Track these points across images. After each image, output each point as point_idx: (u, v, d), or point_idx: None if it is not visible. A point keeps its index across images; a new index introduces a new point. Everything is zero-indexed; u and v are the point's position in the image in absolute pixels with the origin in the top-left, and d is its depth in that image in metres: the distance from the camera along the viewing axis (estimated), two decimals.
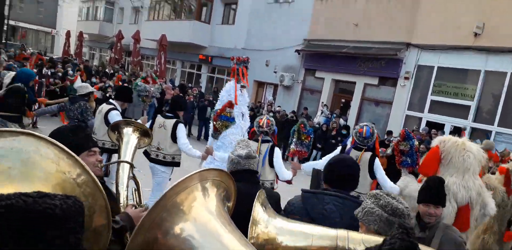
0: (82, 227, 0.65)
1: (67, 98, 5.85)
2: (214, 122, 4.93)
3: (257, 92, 17.67)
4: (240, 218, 1.58)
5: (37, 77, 12.88)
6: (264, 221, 1.67)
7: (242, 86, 6.94)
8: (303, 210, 2.19)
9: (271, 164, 4.38)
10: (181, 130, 4.86)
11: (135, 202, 2.27)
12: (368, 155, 4.27)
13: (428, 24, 11.53)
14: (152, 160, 4.93)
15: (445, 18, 11.09)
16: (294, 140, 4.66)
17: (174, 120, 4.88)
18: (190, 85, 17.79)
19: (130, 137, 2.71)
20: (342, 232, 1.67)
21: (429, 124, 11.40)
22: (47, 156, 0.97)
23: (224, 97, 6.81)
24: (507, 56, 10.15)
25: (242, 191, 1.84)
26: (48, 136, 1.87)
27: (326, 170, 2.37)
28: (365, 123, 4.50)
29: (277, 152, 4.41)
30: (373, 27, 12.86)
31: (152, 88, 5.75)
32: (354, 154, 4.22)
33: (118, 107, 5.04)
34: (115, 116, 4.76)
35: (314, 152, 11.66)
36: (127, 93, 5.26)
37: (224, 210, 1.42)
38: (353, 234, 1.66)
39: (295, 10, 15.66)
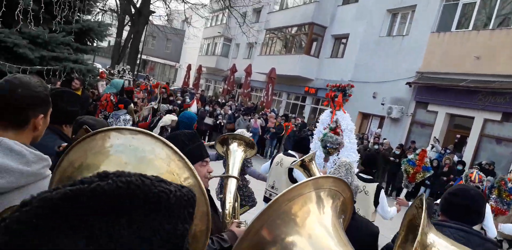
0: (191, 218, 0.62)
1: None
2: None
3: (361, 124, 17.24)
4: None
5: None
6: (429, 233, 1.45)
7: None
8: None
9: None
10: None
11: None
12: None
13: None
14: (265, 199, 4.73)
15: None
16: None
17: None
18: (293, 115, 18.11)
19: (236, 152, 2.71)
20: None
21: None
22: (160, 156, 0.99)
23: (321, 126, 6.86)
24: None
25: None
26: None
27: (446, 199, 2.13)
28: (476, 167, 4.31)
29: (382, 193, 4.13)
30: (497, 60, 11.85)
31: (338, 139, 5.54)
32: None
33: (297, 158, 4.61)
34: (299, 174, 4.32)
35: (422, 188, 10.82)
36: (306, 145, 4.92)
37: (340, 226, 1.28)
38: None
39: (408, 43, 15.26)
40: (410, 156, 5.13)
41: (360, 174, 4.15)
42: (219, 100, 19.98)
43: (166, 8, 24.22)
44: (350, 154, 6.57)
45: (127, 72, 12.62)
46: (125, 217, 0.54)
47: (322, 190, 1.24)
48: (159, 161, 0.99)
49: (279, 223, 1.11)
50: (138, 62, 26.16)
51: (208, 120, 14.26)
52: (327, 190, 1.25)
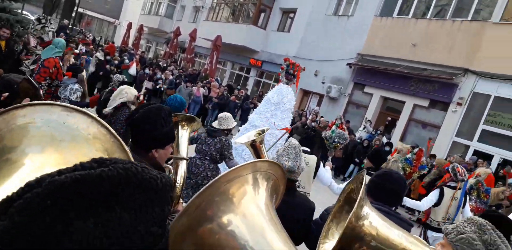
0: (172, 201, 0.68)
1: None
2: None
3: (301, 100, 17.68)
4: None
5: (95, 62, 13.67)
6: (367, 212, 1.54)
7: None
8: None
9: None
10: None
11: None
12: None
13: (491, 51, 11.13)
14: None
15: (509, 47, 10.68)
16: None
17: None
18: (238, 87, 18.06)
19: (180, 131, 2.66)
20: None
21: (477, 153, 10.96)
22: (95, 136, 0.98)
23: (273, 99, 6.94)
24: None
25: None
26: (141, 120, 1.84)
27: (372, 181, 2.30)
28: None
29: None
30: (432, 49, 12.59)
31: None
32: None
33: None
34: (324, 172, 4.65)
35: (352, 166, 11.51)
36: (314, 141, 4.97)
37: (272, 206, 1.37)
38: None
39: (352, 24, 15.61)
40: (408, 155, 5.59)
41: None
42: (160, 63, 19.28)
43: None
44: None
45: (49, 21, 11.22)
46: (123, 200, 0.60)
47: (259, 173, 1.33)
48: (95, 140, 0.99)
49: (218, 201, 1.18)
50: (73, 15, 24.18)
51: (148, 84, 13.71)
52: (263, 172, 1.34)
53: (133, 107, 4.84)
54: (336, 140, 5.83)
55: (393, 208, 2.31)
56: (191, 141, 4.65)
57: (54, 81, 6.21)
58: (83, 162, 0.63)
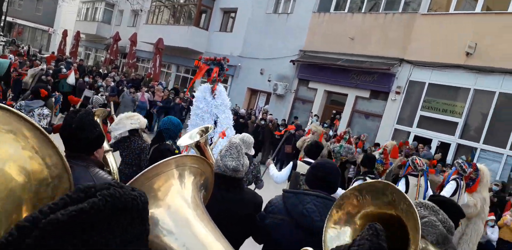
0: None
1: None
2: None
3: (250, 99, 17.75)
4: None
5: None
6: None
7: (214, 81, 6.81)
8: (283, 210, 2.23)
9: None
10: None
11: None
12: None
13: (422, 41, 11.76)
14: None
15: (439, 36, 11.33)
16: None
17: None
18: (185, 89, 17.78)
19: None
20: None
21: (417, 138, 11.54)
22: (19, 132, 0.93)
23: (200, 99, 6.75)
24: (496, 76, 10.38)
25: (217, 196, 1.92)
26: (80, 128, 1.90)
27: (308, 172, 2.44)
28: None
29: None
30: (368, 42, 13.09)
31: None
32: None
33: None
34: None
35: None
36: (318, 151, 5.12)
37: (200, 199, 1.38)
38: None
39: (292, 21, 15.89)
40: (377, 156, 6.04)
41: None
42: (101, 70, 18.56)
43: None
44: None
45: None
46: (114, 224, 0.64)
47: (183, 167, 1.33)
48: (18, 137, 0.93)
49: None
50: (1, 24, 22.72)
51: (88, 93, 13.13)
52: (187, 167, 1.35)
53: (144, 135, 4.58)
54: (343, 154, 6.20)
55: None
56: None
57: None
58: (69, 194, 0.66)
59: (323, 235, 1.57)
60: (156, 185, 1.22)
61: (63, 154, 1.01)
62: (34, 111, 4.81)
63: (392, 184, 1.53)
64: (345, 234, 1.59)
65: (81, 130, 1.91)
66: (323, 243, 1.54)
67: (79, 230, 0.61)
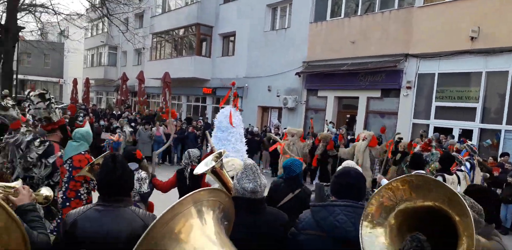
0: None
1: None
2: None
3: (262, 117, 17.80)
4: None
5: None
6: None
7: (240, 110, 7.29)
8: (314, 224, 2.18)
9: None
10: None
11: None
12: None
13: (424, 33, 11.71)
14: None
15: (440, 25, 11.27)
16: None
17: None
18: (200, 118, 17.95)
19: None
20: None
21: (437, 129, 11.30)
22: None
23: (224, 122, 7.04)
24: (505, 56, 10.19)
25: (240, 219, 1.91)
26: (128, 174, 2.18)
27: (332, 181, 2.38)
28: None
29: None
30: (370, 42, 13.10)
31: None
32: None
33: None
34: None
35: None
36: (423, 161, 5.13)
37: (224, 234, 1.36)
38: None
39: (291, 35, 16.09)
40: None
41: None
42: (114, 112, 18.95)
43: (37, 22, 22.13)
44: (240, 147, 7.09)
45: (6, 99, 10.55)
46: None
47: (201, 203, 1.31)
48: None
49: (166, 243, 1.15)
50: (14, 83, 23.58)
51: (106, 136, 13.36)
52: (205, 201, 1.33)
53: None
54: (434, 160, 6.46)
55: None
56: None
57: (91, 182, 4.38)
58: None
59: (360, 242, 1.53)
60: (176, 228, 1.20)
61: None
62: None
63: (427, 175, 1.51)
64: (381, 236, 1.54)
65: (125, 177, 2.13)
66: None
67: None
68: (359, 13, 13.91)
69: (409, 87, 12.08)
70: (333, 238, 2.08)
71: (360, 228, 1.55)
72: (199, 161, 4.58)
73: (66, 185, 4.34)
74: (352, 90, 13.82)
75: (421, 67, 11.93)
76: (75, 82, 27.46)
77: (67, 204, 4.30)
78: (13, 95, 21.68)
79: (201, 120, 16.22)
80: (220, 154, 3.60)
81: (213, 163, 3.39)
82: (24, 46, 24.08)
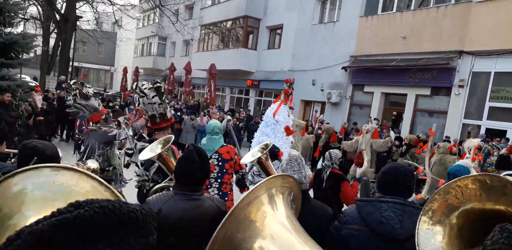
0: (156, 230, 0.73)
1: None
2: None
3: (304, 111, 17.70)
4: None
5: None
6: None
7: (291, 108, 7.21)
8: (359, 219, 2.13)
9: None
10: None
11: None
12: None
13: (481, 29, 11.13)
14: None
15: (498, 22, 10.67)
16: None
17: None
18: (241, 109, 18.17)
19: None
20: None
21: (489, 131, 10.76)
22: (87, 189, 1.01)
23: (270, 117, 7.09)
24: None
25: None
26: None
27: (379, 178, 2.31)
28: None
29: None
30: (422, 38, 12.63)
31: None
32: None
33: None
34: None
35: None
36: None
37: (294, 218, 1.39)
38: None
39: (340, 29, 15.82)
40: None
41: None
42: None
43: (94, 12, 23.13)
44: (280, 144, 7.01)
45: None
46: (106, 237, 0.63)
47: (274, 189, 1.35)
48: (87, 193, 1.00)
49: (242, 228, 1.20)
50: (70, 70, 24.84)
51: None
52: (278, 187, 1.37)
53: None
54: None
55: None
56: None
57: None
58: (60, 208, 0.64)
59: (416, 237, 1.51)
60: (252, 212, 1.25)
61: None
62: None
63: (500, 176, 1.44)
64: (438, 234, 1.50)
65: (206, 170, 2.21)
66: (417, 246, 1.46)
67: (65, 239, 0.59)
68: (412, 8, 13.43)
69: (461, 86, 11.56)
70: (377, 234, 2.03)
71: (418, 222, 1.52)
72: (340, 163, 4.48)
73: (219, 180, 4.14)
74: (400, 87, 13.41)
75: (476, 65, 11.37)
76: (125, 70, 28.52)
77: (226, 198, 4.12)
78: (68, 81, 22.91)
79: (244, 112, 16.40)
80: (267, 145, 3.68)
81: (259, 154, 3.47)
82: (81, 35, 25.24)
